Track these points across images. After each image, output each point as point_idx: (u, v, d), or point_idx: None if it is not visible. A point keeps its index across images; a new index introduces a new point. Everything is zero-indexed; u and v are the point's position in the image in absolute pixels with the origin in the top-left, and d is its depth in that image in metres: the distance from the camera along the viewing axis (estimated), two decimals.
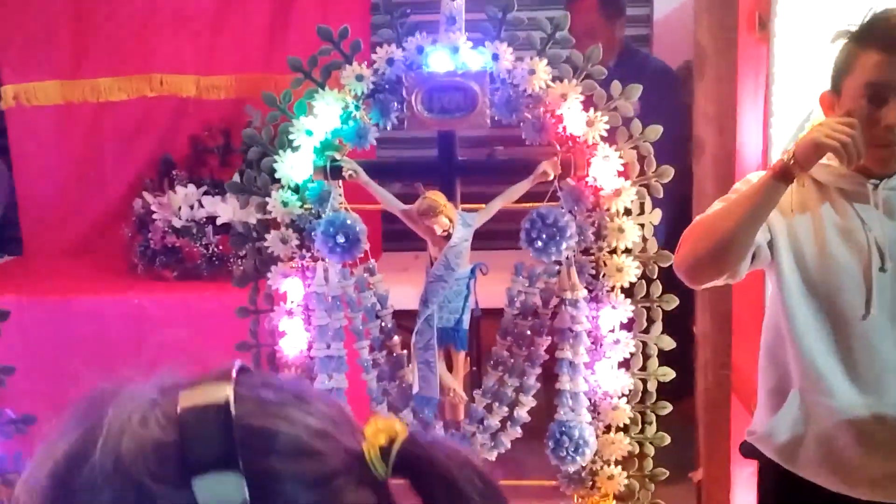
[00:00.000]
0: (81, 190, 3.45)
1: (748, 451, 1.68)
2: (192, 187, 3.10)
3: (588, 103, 1.74)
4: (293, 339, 1.90)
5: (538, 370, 1.83)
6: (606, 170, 1.75)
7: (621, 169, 1.76)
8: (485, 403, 1.86)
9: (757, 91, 2.09)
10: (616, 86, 1.75)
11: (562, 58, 1.73)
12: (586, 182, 1.76)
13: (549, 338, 1.81)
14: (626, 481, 1.90)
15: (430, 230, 1.73)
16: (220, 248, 3.04)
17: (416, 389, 1.79)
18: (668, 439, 1.91)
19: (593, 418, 1.85)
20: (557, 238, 1.73)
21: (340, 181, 1.81)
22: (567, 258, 1.77)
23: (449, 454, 0.58)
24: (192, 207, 3.08)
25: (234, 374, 0.60)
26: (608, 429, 1.89)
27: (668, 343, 1.85)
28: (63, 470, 0.57)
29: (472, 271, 1.77)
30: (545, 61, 1.72)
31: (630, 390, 1.86)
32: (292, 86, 1.82)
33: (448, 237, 1.73)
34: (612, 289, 1.82)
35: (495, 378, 1.85)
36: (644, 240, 1.81)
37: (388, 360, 1.87)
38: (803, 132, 1.92)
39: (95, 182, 3.45)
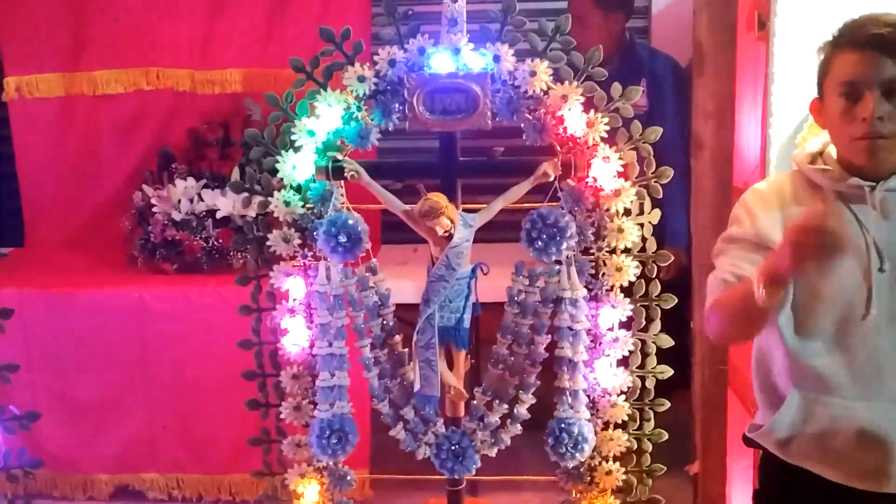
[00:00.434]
0: (81, 182, 3.46)
1: (750, 441, 1.72)
2: (191, 180, 3.11)
3: (588, 104, 1.75)
4: (295, 337, 1.92)
5: (538, 368, 1.85)
6: (606, 171, 1.76)
7: (621, 170, 1.77)
8: (485, 401, 1.89)
9: (756, 90, 2.10)
10: (616, 87, 1.76)
11: (563, 59, 1.74)
12: (586, 183, 1.78)
13: (549, 336, 1.83)
14: (623, 476, 1.93)
15: (431, 231, 1.74)
16: (220, 241, 3.05)
17: (417, 387, 1.81)
18: (665, 435, 1.93)
19: (592, 415, 1.88)
20: (558, 238, 1.75)
21: (342, 181, 1.82)
22: (567, 258, 1.79)
23: None
24: (191, 201, 3.08)
25: None
26: (607, 425, 1.91)
27: (667, 341, 1.88)
28: None
29: (473, 271, 1.79)
30: (546, 63, 1.73)
31: (628, 387, 1.89)
32: (294, 86, 1.82)
33: (449, 237, 1.75)
34: (612, 288, 1.84)
35: (496, 376, 1.87)
36: (643, 239, 1.83)
37: (389, 358, 1.89)
38: (802, 132, 1.95)
39: (95, 174, 3.45)
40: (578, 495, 1.96)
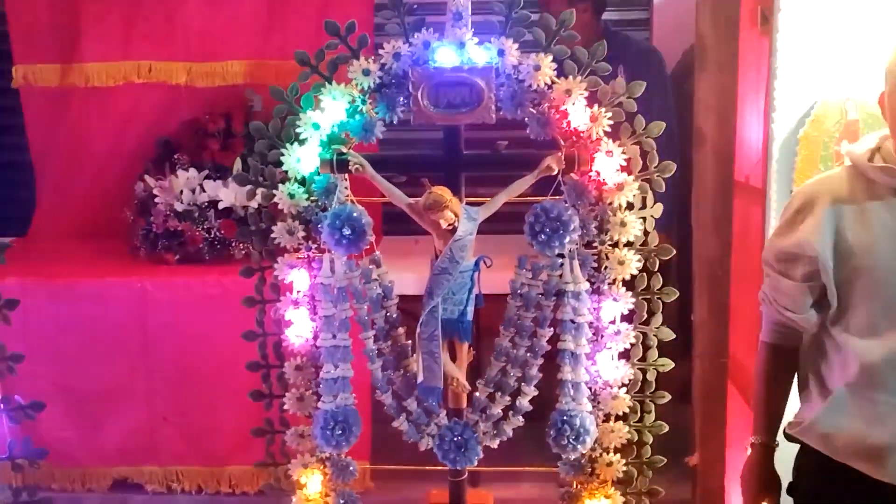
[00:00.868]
0: (84, 171, 3.46)
1: (791, 438, 1.74)
2: (193, 171, 3.11)
3: (591, 99, 1.76)
4: (299, 329, 1.93)
5: (540, 361, 1.86)
6: (609, 165, 1.77)
7: (624, 164, 1.78)
8: (487, 393, 1.90)
9: (758, 84, 2.11)
10: (619, 82, 1.77)
11: (567, 54, 1.75)
12: (590, 177, 1.79)
13: (552, 329, 1.84)
14: (624, 468, 1.95)
15: (435, 224, 1.75)
16: (222, 232, 3.06)
17: (420, 379, 1.82)
18: (666, 427, 1.95)
19: (594, 407, 1.89)
20: (561, 232, 1.76)
21: (346, 174, 1.83)
22: (570, 251, 1.80)
23: None
24: (193, 191, 3.09)
25: None
26: (608, 417, 1.93)
27: (668, 334, 1.89)
28: None
29: (477, 264, 1.80)
30: (550, 57, 1.74)
31: (630, 380, 1.90)
32: (299, 79, 1.83)
33: (453, 231, 1.76)
34: (614, 281, 1.85)
35: (498, 368, 1.88)
36: (645, 233, 1.84)
37: (392, 350, 1.90)
38: (805, 127, 1.96)
39: (97, 164, 3.46)
40: (579, 486, 1.98)
